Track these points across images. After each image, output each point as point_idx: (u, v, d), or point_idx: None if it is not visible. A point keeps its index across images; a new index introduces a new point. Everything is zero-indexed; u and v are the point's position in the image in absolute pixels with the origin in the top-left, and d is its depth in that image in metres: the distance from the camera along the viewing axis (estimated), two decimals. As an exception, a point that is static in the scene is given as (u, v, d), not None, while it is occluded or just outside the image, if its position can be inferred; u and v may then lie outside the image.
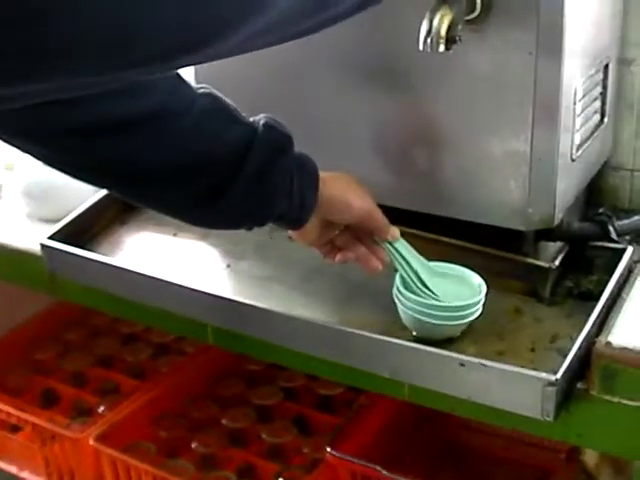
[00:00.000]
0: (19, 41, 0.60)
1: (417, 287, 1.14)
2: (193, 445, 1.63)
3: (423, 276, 1.14)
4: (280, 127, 1.07)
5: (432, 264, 1.16)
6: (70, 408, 1.80)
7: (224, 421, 1.67)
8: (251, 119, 1.06)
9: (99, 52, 0.64)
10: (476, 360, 1.02)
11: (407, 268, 1.15)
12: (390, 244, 1.15)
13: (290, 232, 1.16)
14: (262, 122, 1.06)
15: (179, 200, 1.06)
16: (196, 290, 1.21)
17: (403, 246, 1.16)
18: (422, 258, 1.16)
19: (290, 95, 1.26)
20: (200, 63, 0.78)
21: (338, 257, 1.17)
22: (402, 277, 1.14)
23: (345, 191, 1.11)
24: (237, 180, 1.03)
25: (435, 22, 1.01)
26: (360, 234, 1.16)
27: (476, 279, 1.14)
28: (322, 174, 1.10)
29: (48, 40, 0.61)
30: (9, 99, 0.69)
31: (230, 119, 1.05)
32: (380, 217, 1.14)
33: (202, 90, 1.05)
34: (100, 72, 0.67)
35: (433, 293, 1.13)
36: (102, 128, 0.97)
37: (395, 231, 1.15)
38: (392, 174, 1.23)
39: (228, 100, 1.06)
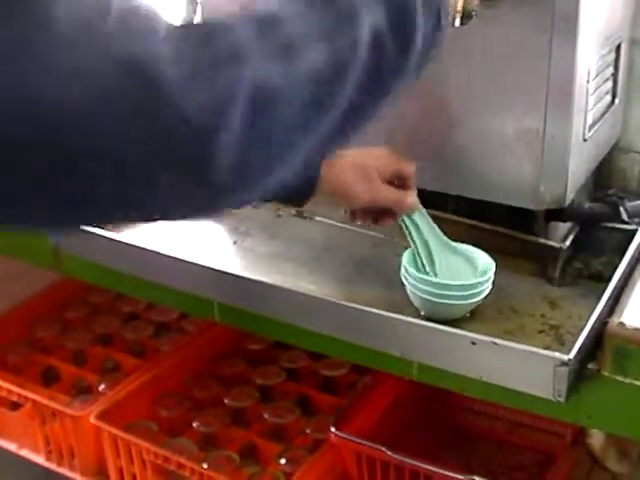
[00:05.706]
0: None
1: (423, 266, 1.13)
2: (195, 424, 1.62)
3: (435, 253, 1.13)
4: None
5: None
6: (70, 386, 1.79)
7: (226, 400, 1.66)
8: None
9: None
10: (488, 339, 1.02)
11: (419, 242, 1.13)
12: (406, 217, 1.13)
13: None
14: None
15: None
16: (202, 266, 1.19)
17: (421, 217, 1.13)
18: (439, 232, 1.14)
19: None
20: None
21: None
22: (412, 254, 1.13)
23: (346, 183, 1.11)
24: None
25: (452, -4, 1.00)
26: None
27: (484, 259, 1.13)
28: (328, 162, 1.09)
29: None
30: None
31: None
32: (385, 197, 1.13)
33: None
34: None
35: (436, 274, 1.13)
36: None
37: (407, 206, 1.13)
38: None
39: None
